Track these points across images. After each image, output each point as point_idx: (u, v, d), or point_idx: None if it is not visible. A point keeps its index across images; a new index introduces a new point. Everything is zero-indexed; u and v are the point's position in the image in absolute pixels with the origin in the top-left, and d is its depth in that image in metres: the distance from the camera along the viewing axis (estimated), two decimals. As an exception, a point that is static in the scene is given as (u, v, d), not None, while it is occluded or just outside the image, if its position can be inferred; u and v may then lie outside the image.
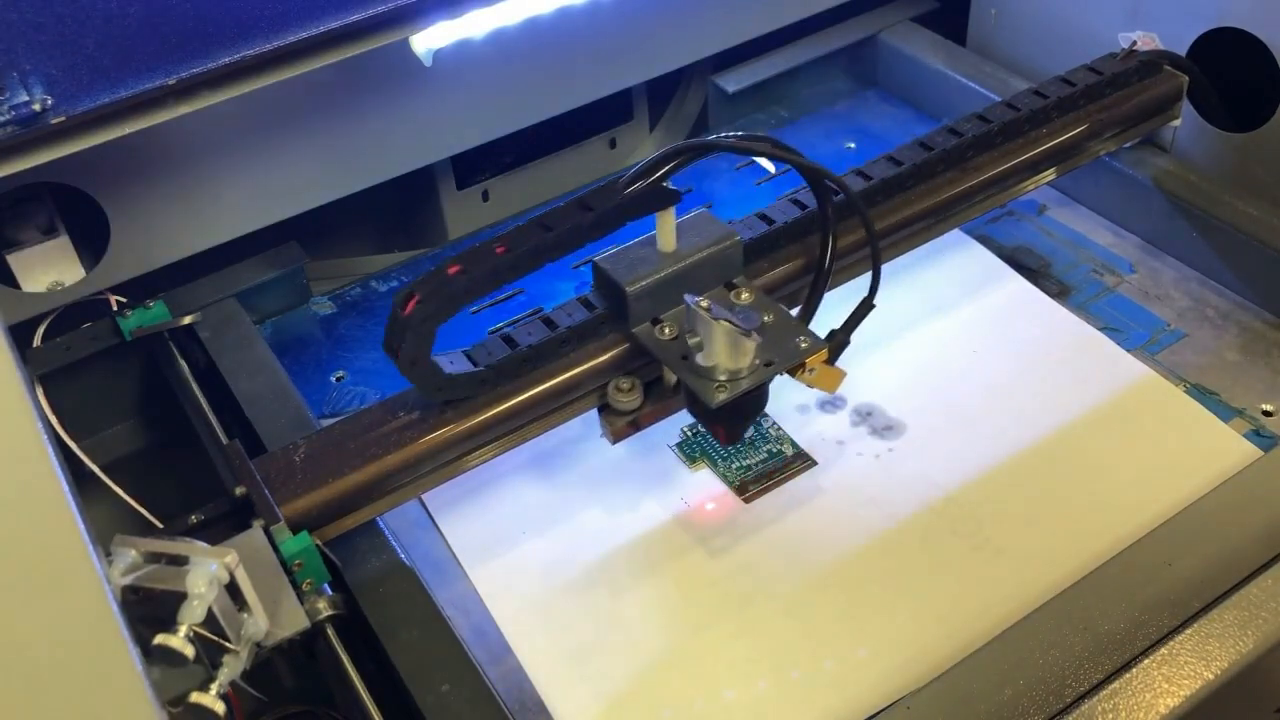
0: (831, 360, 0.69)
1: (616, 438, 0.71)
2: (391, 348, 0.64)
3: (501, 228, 0.94)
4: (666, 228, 0.68)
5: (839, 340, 0.71)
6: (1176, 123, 0.88)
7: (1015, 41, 1.00)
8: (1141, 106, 0.86)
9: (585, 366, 0.70)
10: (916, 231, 0.80)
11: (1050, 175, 0.85)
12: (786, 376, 0.67)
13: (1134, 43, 0.85)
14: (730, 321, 0.62)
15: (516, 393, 0.69)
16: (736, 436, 0.72)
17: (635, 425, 0.71)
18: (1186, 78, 0.86)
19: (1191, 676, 0.58)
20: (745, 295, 0.69)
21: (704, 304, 0.63)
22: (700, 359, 0.65)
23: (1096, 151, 0.86)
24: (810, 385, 0.67)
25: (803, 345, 0.66)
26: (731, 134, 0.71)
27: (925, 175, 0.79)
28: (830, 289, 0.74)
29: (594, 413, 0.72)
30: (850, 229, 0.74)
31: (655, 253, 0.69)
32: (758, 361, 0.65)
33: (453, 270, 0.63)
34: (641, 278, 0.68)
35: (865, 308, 0.72)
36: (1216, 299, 0.85)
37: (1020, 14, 0.99)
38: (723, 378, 0.64)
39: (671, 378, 0.70)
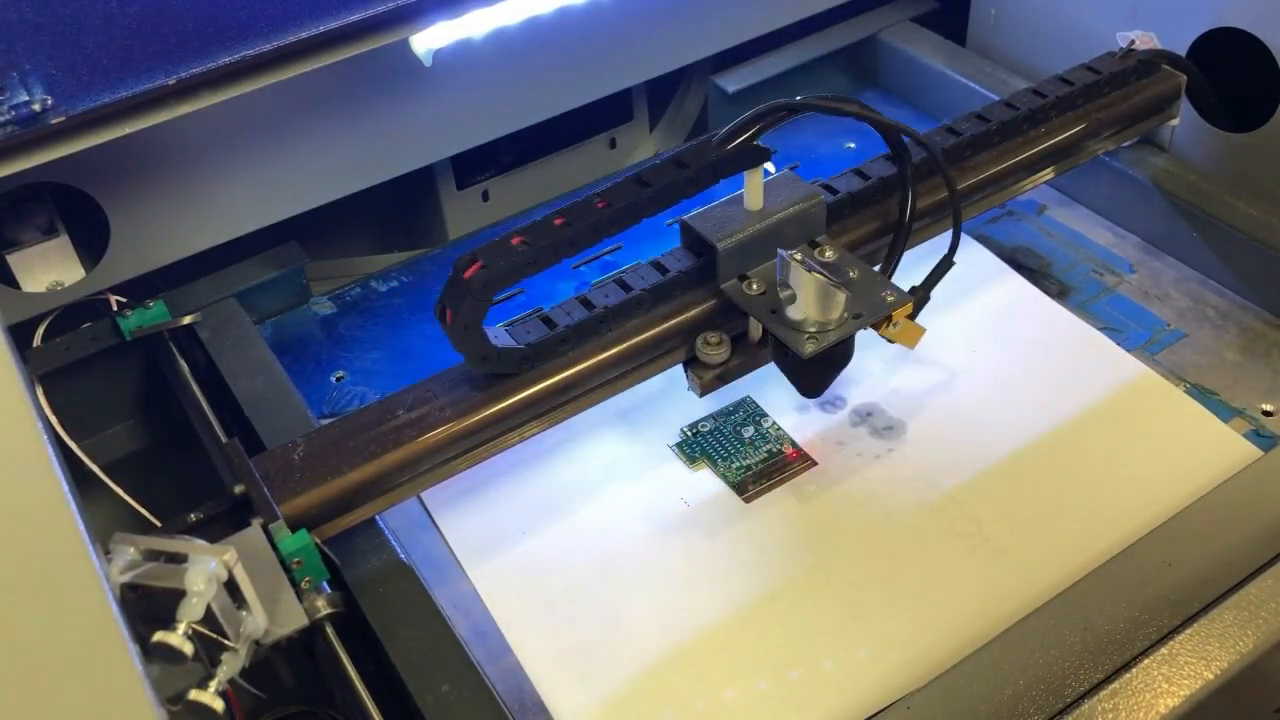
0: (913, 316, 0.70)
1: (704, 390, 0.72)
2: (442, 312, 0.65)
3: (502, 228, 0.94)
4: (755, 186, 0.71)
5: (920, 296, 0.73)
6: (1175, 122, 0.88)
7: (1015, 41, 1.00)
8: (1140, 106, 0.86)
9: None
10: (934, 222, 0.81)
11: (1049, 175, 0.85)
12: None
13: (1132, 42, 0.86)
14: (823, 274, 0.64)
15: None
16: (821, 388, 0.73)
17: (722, 379, 0.72)
18: (1185, 77, 0.86)
19: (1191, 676, 0.58)
20: (829, 253, 0.71)
21: (798, 256, 0.65)
22: (790, 312, 0.67)
23: (1095, 151, 0.86)
24: (892, 340, 0.69)
25: (889, 299, 0.68)
26: (821, 95, 0.73)
27: (923, 174, 0.79)
28: (907, 248, 0.76)
29: (593, 411, 0.72)
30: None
31: (742, 211, 0.71)
32: (846, 314, 0.67)
33: (515, 240, 0.64)
34: (731, 234, 0.70)
35: (945, 265, 0.74)
36: (1216, 299, 0.85)
37: (1020, 14, 0.99)
38: (812, 330, 0.66)
39: (756, 333, 0.71)
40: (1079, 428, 0.75)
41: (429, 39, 0.77)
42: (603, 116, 1.00)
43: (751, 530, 0.71)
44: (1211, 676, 0.58)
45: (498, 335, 0.68)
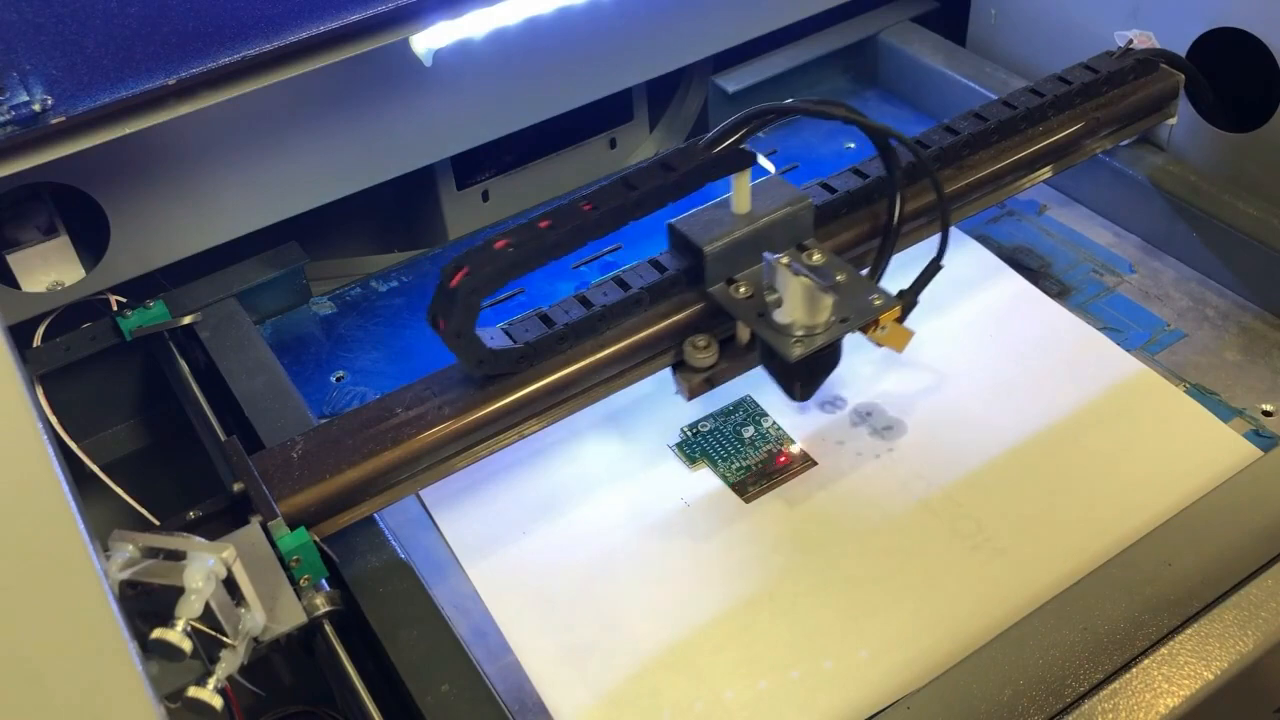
0: (901, 319, 0.70)
1: (692, 394, 0.72)
2: (434, 319, 0.65)
3: (501, 227, 0.94)
4: (743, 189, 0.71)
5: (908, 300, 0.73)
6: (1173, 121, 0.88)
7: (1015, 41, 1.00)
8: (1138, 104, 0.86)
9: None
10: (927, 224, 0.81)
11: (1047, 174, 0.85)
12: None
13: (1130, 41, 0.86)
14: (809, 278, 0.64)
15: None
16: (809, 392, 0.73)
17: (710, 382, 0.72)
18: (1183, 76, 0.86)
19: (1191, 676, 0.58)
20: (817, 256, 0.71)
21: (784, 260, 0.65)
22: (777, 315, 0.67)
23: (1093, 150, 0.86)
24: (880, 344, 0.69)
25: (876, 302, 0.68)
26: (808, 99, 0.73)
27: (919, 174, 0.79)
28: (895, 251, 0.76)
29: (592, 410, 0.72)
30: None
31: (730, 214, 0.71)
32: (833, 318, 0.67)
33: (500, 244, 0.64)
34: (718, 238, 0.70)
35: (933, 269, 0.74)
36: (1216, 299, 0.85)
37: (1020, 14, 0.99)
38: (799, 333, 0.66)
39: (744, 336, 0.71)
40: (1079, 427, 0.75)
41: (429, 39, 0.77)
42: (603, 116, 1.00)
43: (751, 530, 0.71)
44: (1211, 676, 0.58)
45: (495, 335, 0.68)
